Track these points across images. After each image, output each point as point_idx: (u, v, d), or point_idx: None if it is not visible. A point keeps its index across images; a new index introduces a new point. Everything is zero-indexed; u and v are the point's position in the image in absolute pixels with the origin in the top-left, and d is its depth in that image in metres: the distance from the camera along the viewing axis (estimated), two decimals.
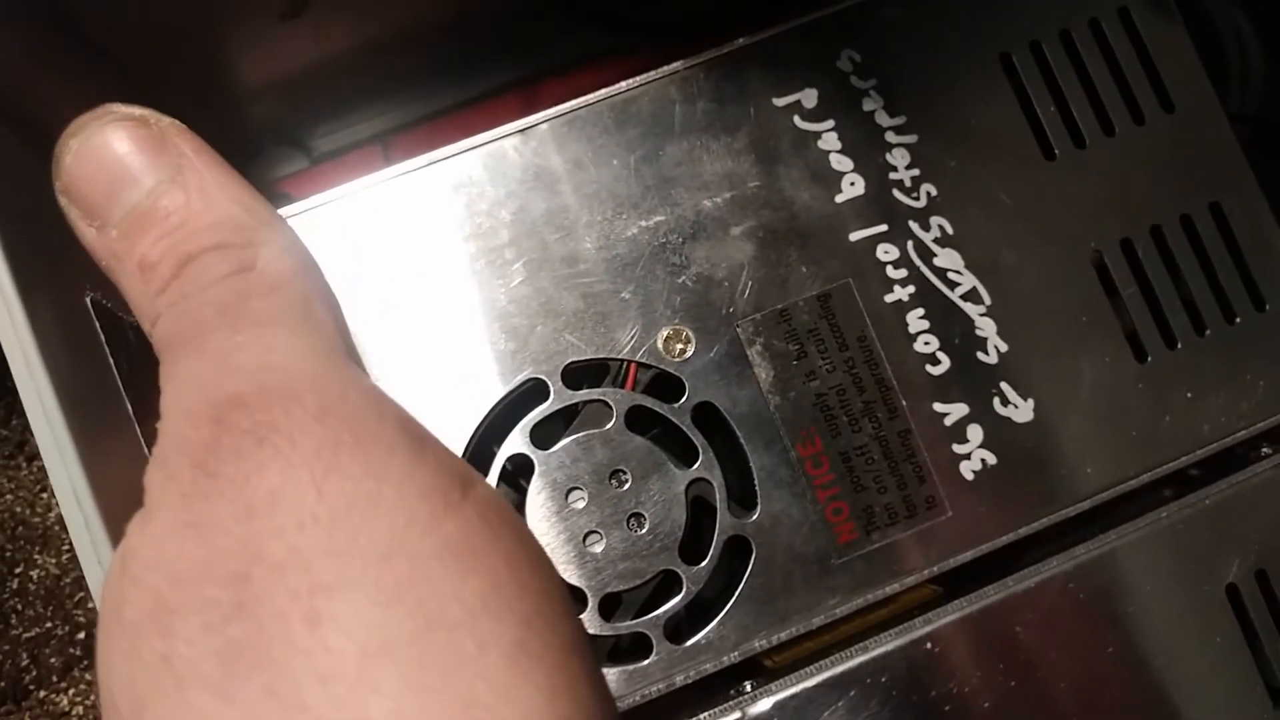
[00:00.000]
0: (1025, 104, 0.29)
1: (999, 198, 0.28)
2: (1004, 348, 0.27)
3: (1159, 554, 0.27)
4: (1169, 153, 0.29)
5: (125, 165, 0.19)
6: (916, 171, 0.28)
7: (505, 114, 0.28)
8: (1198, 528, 0.27)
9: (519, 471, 0.26)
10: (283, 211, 0.26)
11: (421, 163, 0.27)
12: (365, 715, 0.15)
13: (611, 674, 0.25)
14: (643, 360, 0.27)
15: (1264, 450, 0.28)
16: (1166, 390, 0.28)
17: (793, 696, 0.25)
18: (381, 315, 0.26)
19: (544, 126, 0.27)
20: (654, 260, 0.27)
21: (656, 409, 0.26)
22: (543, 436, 0.26)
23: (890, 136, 0.28)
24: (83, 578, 0.37)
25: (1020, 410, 0.27)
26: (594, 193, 0.27)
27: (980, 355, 0.27)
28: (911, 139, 0.28)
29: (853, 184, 0.28)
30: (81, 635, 0.40)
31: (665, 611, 0.26)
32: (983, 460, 0.27)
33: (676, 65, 0.28)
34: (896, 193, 0.28)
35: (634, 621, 0.26)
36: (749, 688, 0.26)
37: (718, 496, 0.26)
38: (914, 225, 0.28)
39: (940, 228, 0.28)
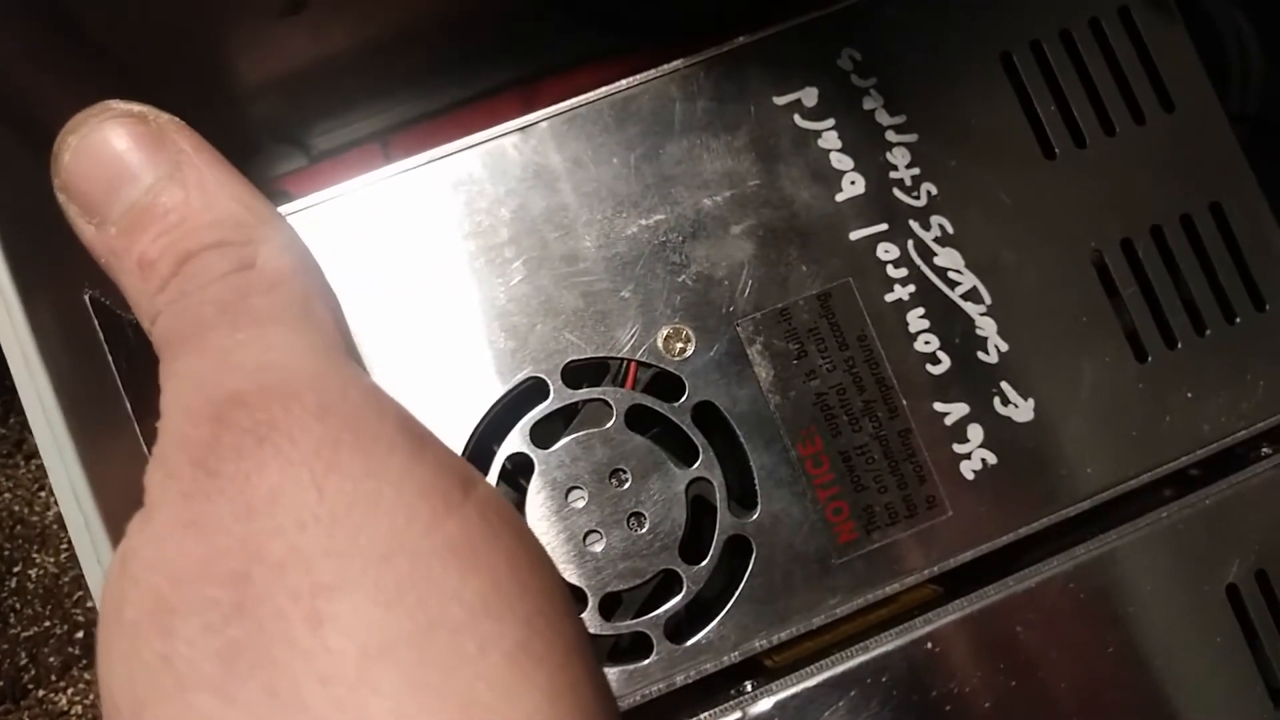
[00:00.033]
0: (1025, 103, 0.29)
1: (999, 197, 0.28)
2: (1004, 347, 0.27)
3: (1159, 554, 0.27)
4: (1169, 153, 0.29)
5: (124, 162, 0.19)
6: (917, 170, 0.28)
7: (505, 113, 0.28)
8: (1198, 528, 0.27)
9: (519, 471, 0.26)
10: (282, 209, 0.25)
11: (421, 161, 0.27)
12: (366, 716, 0.15)
13: (612, 674, 0.25)
14: (643, 359, 0.27)
15: (1264, 450, 0.28)
16: (1166, 390, 0.28)
17: (793, 696, 0.25)
18: (381, 313, 0.26)
19: (544, 124, 0.27)
20: (654, 259, 0.27)
21: (656, 408, 0.26)
22: (542, 435, 0.26)
23: (890, 135, 0.28)
24: (81, 576, 0.37)
25: (1020, 410, 0.27)
26: (594, 191, 0.27)
27: (980, 355, 0.27)
28: (912, 138, 0.28)
29: (853, 183, 0.28)
30: (80, 634, 0.40)
31: (665, 611, 0.26)
32: (983, 460, 0.27)
33: (677, 64, 0.28)
34: (897, 192, 0.28)
35: (634, 621, 0.26)
36: (749, 687, 0.26)
37: (718, 496, 0.26)
38: (914, 224, 0.28)
39: (940, 227, 0.28)
